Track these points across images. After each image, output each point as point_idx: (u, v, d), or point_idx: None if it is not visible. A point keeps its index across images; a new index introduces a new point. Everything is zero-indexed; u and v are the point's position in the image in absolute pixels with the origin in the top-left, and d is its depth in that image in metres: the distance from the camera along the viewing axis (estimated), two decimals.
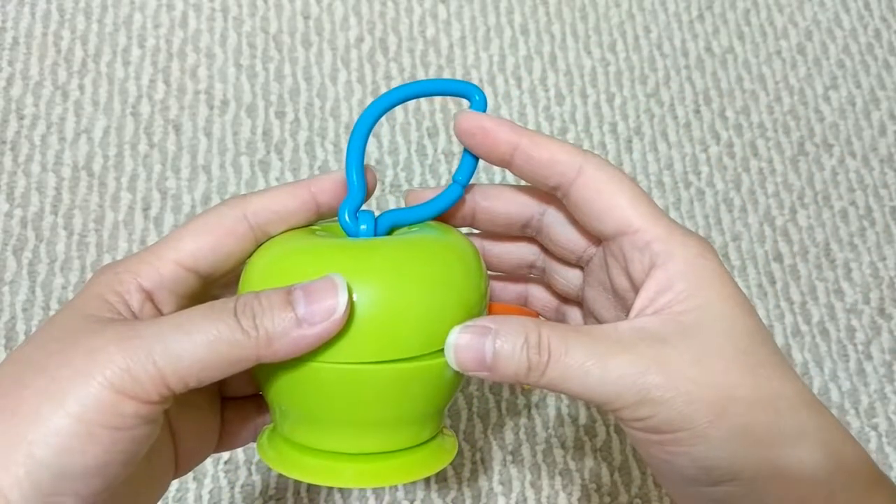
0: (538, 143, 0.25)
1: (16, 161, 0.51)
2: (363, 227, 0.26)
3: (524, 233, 0.29)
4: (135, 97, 0.54)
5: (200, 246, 0.24)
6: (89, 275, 0.48)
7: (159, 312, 0.23)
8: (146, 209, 0.50)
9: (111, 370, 0.19)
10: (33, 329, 0.46)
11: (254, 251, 0.26)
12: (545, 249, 0.30)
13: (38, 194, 0.50)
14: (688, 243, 0.24)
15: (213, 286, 0.27)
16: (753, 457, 0.22)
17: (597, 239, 0.27)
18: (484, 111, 0.26)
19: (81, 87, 0.54)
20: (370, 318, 0.23)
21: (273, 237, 0.26)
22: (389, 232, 0.27)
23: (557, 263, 0.30)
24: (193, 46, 0.56)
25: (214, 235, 0.24)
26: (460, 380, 0.26)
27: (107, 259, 0.49)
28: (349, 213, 0.26)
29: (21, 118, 0.52)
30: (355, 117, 0.54)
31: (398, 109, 0.55)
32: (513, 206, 0.28)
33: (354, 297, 0.23)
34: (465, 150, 0.26)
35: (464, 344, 0.23)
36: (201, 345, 0.20)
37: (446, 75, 0.56)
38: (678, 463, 0.22)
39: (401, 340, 0.23)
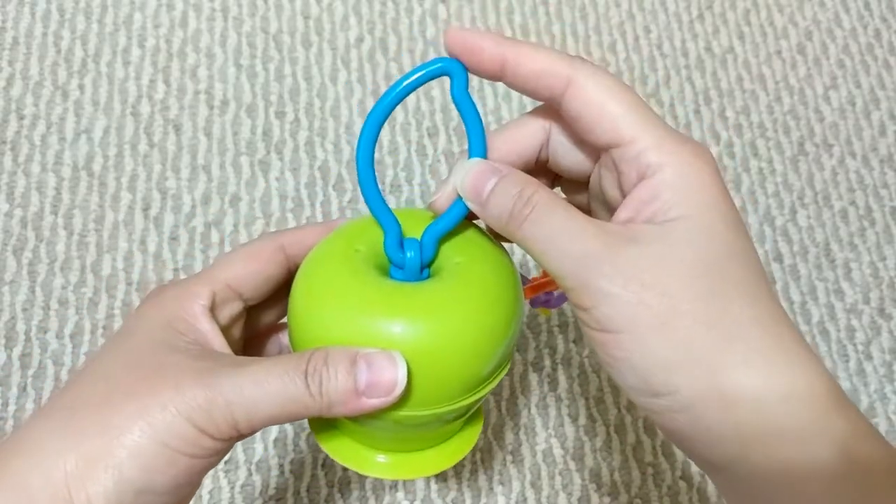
0: (524, 54, 0.24)
1: (16, 161, 0.51)
2: (409, 254, 0.27)
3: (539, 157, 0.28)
4: (135, 97, 0.54)
5: (249, 270, 0.27)
6: (89, 275, 0.48)
7: (220, 331, 0.26)
8: (146, 209, 0.50)
9: (195, 411, 0.22)
10: (33, 329, 0.46)
11: (297, 276, 0.27)
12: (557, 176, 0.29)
13: (38, 194, 0.50)
14: (681, 152, 0.23)
15: (255, 311, 0.29)
16: (692, 375, 0.21)
17: (597, 153, 0.26)
18: (466, 82, 0.25)
19: (81, 87, 0.54)
20: (421, 379, 0.24)
21: (314, 259, 0.27)
22: (436, 245, 0.27)
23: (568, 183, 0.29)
24: (193, 46, 0.56)
25: (259, 261, 0.27)
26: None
27: (107, 259, 0.49)
28: (392, 248, 0.26)
29: (21, 118, 0.52)
30: (355, 117, 0.54)
31: (398, 110, 0.55)
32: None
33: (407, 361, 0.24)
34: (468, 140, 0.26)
35: (475, 172, 0.25)
36: (272, 402, 0.23)
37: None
38: (621, 369, 0.22)
39: (452, 394, 0.25)
